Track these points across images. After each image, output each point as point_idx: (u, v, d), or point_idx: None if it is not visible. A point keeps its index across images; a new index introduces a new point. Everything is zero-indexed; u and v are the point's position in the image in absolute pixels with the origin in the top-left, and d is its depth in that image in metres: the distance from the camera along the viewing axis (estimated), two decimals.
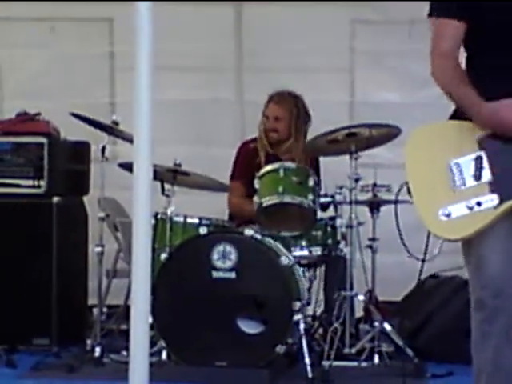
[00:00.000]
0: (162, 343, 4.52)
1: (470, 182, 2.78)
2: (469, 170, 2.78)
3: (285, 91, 5.24)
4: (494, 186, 2.76)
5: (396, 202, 4.89)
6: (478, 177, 2.78)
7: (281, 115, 5.21)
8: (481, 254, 2.79)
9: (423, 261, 4.69)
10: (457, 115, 2.88)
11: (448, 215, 2.76)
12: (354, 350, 4.64)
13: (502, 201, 2.74)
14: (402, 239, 4.61)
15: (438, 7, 2.86)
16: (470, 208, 2.74)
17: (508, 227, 2.79)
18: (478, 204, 2.74)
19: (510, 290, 2.77)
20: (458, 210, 2.76)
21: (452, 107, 2.93)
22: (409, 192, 2.89)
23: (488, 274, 2.78)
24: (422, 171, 2.84)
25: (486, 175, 2.77)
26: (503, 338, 2.79)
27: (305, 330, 4.48)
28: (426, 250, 4.56)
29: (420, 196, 2.82)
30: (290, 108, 5.20)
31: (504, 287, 2.77)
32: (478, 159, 2.79)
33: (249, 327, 4.51)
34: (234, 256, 4.54)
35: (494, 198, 2.74)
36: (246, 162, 5.26)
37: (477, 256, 2.80)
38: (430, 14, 2.89)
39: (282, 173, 4.79)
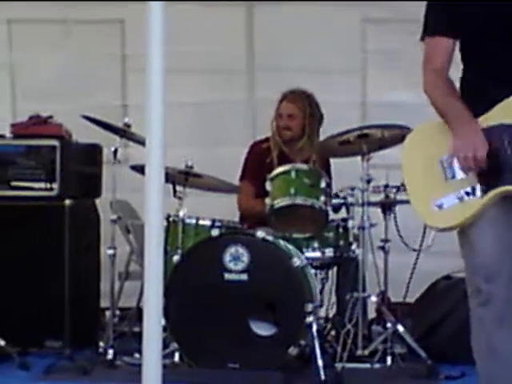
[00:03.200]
0: (174, 345, 4.52)
1: (460, 174, 2.97)
2: (458, 164, 2.97)
3: (298, 90, 5.26)
4: (480, 177, 2.94)
5: (407, 202, 4.88)
6: (466, 169, 2.97)
7: (294, 113, 5.23)
8: (473, 241, 2.94)
9: (419, 251, 4.80)
10: None
11: (440, 206, 2.96)
12: (366, 352, 4.62)
13: (487, 190, 2.92)
14: (400, 236, 4.68)
15: (428, 28, 3.12)
16: (460, 198, 2.94)
17: (498, 214, 2.94)
18: (467, 194, 2.94)
19: (502, 274, 2.92)
20: (449, 201, 2.96)
21: None
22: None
23: (480, 260, 2.93)
24: (416, 169, 3.04)
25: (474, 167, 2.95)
26: (496, 322, 2.94)
27: (317, 331, 4.47)
28: (422, 241, 4.61)
29: (415, 192, 3.04)
30: (304, 106, 5.22)
31: (496, 272, 2.92)
32: None
33: (261, 329, 4.50)
34: (246, 258, 4.54)
35: (481, 188, 2.93)
36: (257, 162, 5.26)
37: (469, 242, 2.95)
38: (422, 37, 3.15)
39: (293, 174, 4.79)
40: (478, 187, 2.95)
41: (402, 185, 3.13)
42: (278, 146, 5.26)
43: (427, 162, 3.01)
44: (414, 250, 4.80)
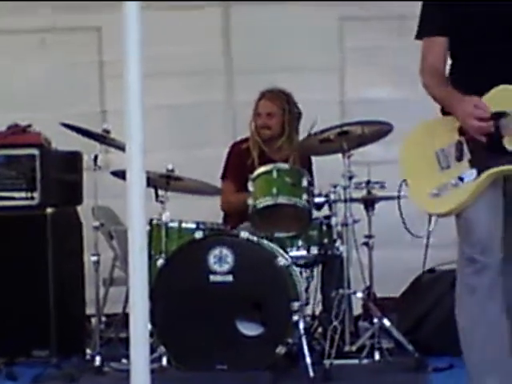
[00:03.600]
0: (161, 349, 4.51)
1: (454, 163, 3.23)
2: (452, 153, 3.24)
3: (276, 88, 5.27)
4: (472, 162, 3.19)
5: (389, 198, 4.91)
6: (459, 157, 3.23)
7: (273, 111, 5.24)
8: (469, 217, 3.20)
9: (428, 237, 4.85)
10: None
11: (437, 194, 3.23)
12: (354, 348, 4.64)
13: (479, 172, 3.17)
14: (405, 227, 4.68)
15: (424, 28, 3.36)
16: (455, 185, 3.20)
17: (492, 192, 3.19)
18: (461, 179, 3.20)
19: (496, 247, 3.18)
20: (445, 188, 3.22)
21: None
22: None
23: (476, 235, 3.18)
24: (414, 164, 3.32)
25: (466, 155, 3.21)
26: (487, 292, 3.19)
27: (304, 329, 4.48)
28: (429, 233, 4.70)
29: (413, 185, 3.32)
30: (282, 104, 5.24)
31: (490, 245, 3.17)
32: (459, 143, 3.24)
33: (248, 329, 4.51)
34: (230, 259, 4.54)
35: (473, 172, 3.18)
36: (237, 162, 5.26)
37: (465, 219, 3.21)
38: (418, 36, 3.37)
39: (275, 174, 4.79)
40: (472, 171, 3.18)
41: (404, 180, 3.44)
42: (257, 145, 5.27)
43: (424, 157, 3.27)
44: (418, 237, 4.82)
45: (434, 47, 3.33)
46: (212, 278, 4.54)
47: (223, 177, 5.33)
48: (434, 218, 4.57)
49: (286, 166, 4.92)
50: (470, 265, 3.21)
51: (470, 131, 3.19)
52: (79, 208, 5.41)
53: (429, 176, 3.25)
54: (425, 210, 3.34)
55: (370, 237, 4.94)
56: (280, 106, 5.24)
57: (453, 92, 3.25)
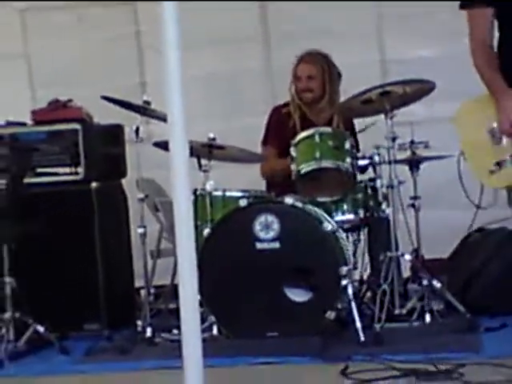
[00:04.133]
0: (212, 318, 4.53)
1: (506, 140, 3.53)
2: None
3: (314, 51, 5.23)
4: None
5: (434, 158, 4.85)
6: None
7: (313, 74, 5.20)
8: None
9: (478, 207, 4.80)
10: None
11: (495, 170, 3.55)
12: (404, 311, 4.61)
13: None
14: (464, 189, 4.66)
15: (466, 0, 3.50)
16: (510, 161, 3.54)
17: None
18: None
19: None
20: (503, 163, 3.54)
21: None
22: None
23: None
24: (469, 137, 3.64)
25: None
26: None
27: (353, 294, 4.46)
28: (480, 199, 4.64)
29: (472, 158, 3.67)
30: (322, 66, 5.20)
31: None
32: None
33: (297, 296, 4.50)
34: (276, 226, 4.52)
35: None
36: (278, 126, 5.23)
37: None
38: (462, 7, 3.52)
39: (317, 138, 4.76)
40: None
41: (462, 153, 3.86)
42: (299, 109, 5.23)
43: (478, 130, 3.56)
44: (478, 207, 4.76)
45: (480, 19, 3.45)
46: (258, 245, 4.53)
47: (264, 142, 5.30)
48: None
49: (328, 129, 4.88)
50: None
51: (501, 129, 3.46)
52: (123, 181, 5.43)
53: (485, 150, 3.54)
54: (485, 184, 3.71)
55: (415, 198, 4.88)
56: (319, 68, 5.20)
57: (499, 81, 3.47)
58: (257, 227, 4.54)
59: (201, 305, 4.38)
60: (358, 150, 4.90)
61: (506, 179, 3.53)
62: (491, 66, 3.51)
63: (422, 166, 4.91)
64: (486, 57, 3.52)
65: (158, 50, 2.39)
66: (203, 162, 4.76)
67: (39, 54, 6.19)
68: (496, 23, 3.58)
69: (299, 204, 4.60)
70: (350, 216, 4.84)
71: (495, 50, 3.66)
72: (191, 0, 5.19)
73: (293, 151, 4.76)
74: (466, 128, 3.64)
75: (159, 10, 2.37)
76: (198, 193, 4.78)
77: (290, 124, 5.19)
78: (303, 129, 4.94)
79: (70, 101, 5.24)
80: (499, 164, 3.53)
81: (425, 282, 4.63)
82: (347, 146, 4.74)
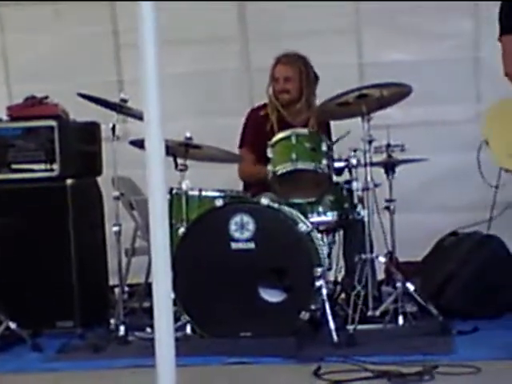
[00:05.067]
0: (185, 317, 4.52)
1: None
2: None
3: (291, 52, 5.24)
4: None
5: (409, 161, 4.87)
6: None
7: (290, 75, 5.21)
8: None
9: (496, 187, 4.88)
10: None
11: None
12: (377, 313, 4.62)
13: None
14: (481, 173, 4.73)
15: (502, 27, 3.81)
16: None
17: None
18: None
19: None
20: None
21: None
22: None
23: None
24: (498, 129, 4.20)
25: None
26: None
27: (327, 295, 4.47)
28: (499, 179, 4.74)
29: (495, 145, 4.25)
30: (299, 67, 5.21)
31: None
32: None
33: (271, 296, 4.51)
34: (251, 226, 4.53)
35: None
36: (255, 128, 5.23)
37: None
38: (500, 35, 3.92)
39: (294, 139, 4.77)
40: None
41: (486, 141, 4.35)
42: (275, 110, 5.23)
43: (505, 126, 4.13)
44: (496, 187, 4.83)
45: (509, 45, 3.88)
46: (233, 245, 4.53)
47: (241, 145, 5.30)
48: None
49: (304, 131, 4.89)
50: None
51: None
52: (99, 179, 5.41)
53: (508, 140, 4.07)
54: (503, 167, 4.20)
55: (391, 201, 4.91)
56: (297, 70, 5.21)
57: None
58: (232, 227, 4.54)
59: (174, 304, 4.38)
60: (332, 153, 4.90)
61: None
62: None
63: (397, 169, 4.94)
64: None
65: (136, 47, 2.39)
66: (179, 161, 4.76)
67: (15, 48, 6.15)
68: None
69: (275, 205, 4.61)
70: (326, 217, 4.86)
71: None
72: (170, 0, 5.17)
73: (269, 152, 4.77)
74: (493, 121, 4.18)
75: (137, 8, 2.38)
76: (173, 192, 4.77)
77: (266, 126, 5.19)
78: (280, 130, 4.94)
79: (46, 97, 5.21)
80: None
81: (398, 285, 4.65)
82: (324, 147, 4.76)
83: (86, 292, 5.09)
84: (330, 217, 4.86)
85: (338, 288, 4.98)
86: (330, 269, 4.83)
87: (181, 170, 4.75)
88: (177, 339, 2.38)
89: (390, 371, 3.82)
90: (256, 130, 5.22)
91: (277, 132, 4.95)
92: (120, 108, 4.81)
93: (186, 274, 4.50)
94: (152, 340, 2.42)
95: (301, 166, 4.72)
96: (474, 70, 5.59)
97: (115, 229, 4.80)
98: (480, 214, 5.06)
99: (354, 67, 5.92)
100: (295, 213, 4.69)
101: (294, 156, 4.72)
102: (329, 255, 4.84)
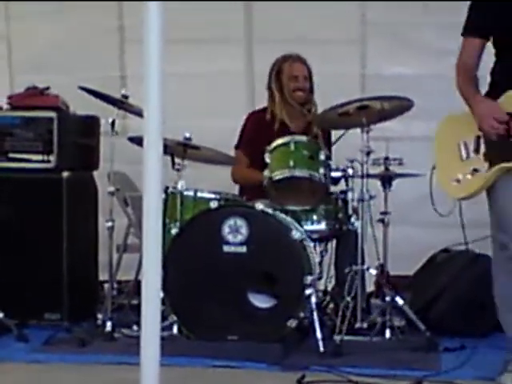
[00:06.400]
0: (173, 317, 4.52)
1: (472, 154, 3.77)
2: (472, 146, 3.78)
3: (296, 53, 5.24)
4: (486, 156, 3.73)
5: (406, 175, 4.87)
6: (477, 150, 3.76)
7: (307, 74, 5.23)
8: (501, 205, 3.69)
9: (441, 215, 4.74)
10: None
11: (458, 180, 3.77)
12: (365, 325, 4.62)
13: (491, 166, 3.70)
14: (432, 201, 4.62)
15: (464, 28, 3.76)
16: (472, 174, 3.74)
17: None
18: (475, 170, 3.73)
19: None
20: (464, 176, 3.76)
21: None
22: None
23: (507, 222, 3.66)
24: (442, 152, 3.86)
25: (482, 149, 3.75)
26: None
27: (316, 304, 4.46)
28: (461, 211, 4.70)
29: (440, 171, 3.89)
30: (309, 69, 5.23)
31: None
32: (478, 138, 3.76)
33: (260, 301, 4.50)
34: (244, 230, 4.52)
35: (485, 165, 3.72)
36: (254, 132, 5.22)
37: (498, 207, 3.71)
38: (462, 35, 3.79)
39: (292, 146, 4.77)
40: (485, 164, 3.71)
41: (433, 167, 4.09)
42: (286, 109, 5.17)
43: (450, 147, 3.79)
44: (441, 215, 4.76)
45: (468, 47, 3.73)
46: (226, 248, 4.53)
47: (237, 146, 5.29)
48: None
49: (303, 138, 4.89)
50: (503, 250, 3.72)
51: (484, 131, 3.66)
52: (95, 173, 5.41)
53: (452, 164, 3.77)
54: (448, 194, 3.85)
55: (385, 213, 4.90)
56: (309, 71, 5.23)
57: (475, 93, 3.72)
58: (225, 230, 4.53)
59: (163, 303, 4.37)
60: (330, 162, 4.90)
61: (464, 190, 3.75)
62: (470, 83, 3.77)
63: (394, 183, 4.93)
64: (466, 76, 3.77)
65: (140, 44, 2.39)
66: (177, 160, 4.75)
67: (20, 38, 6.15)
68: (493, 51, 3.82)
69: (269, 210, 4.61)
70: (319, 226, 4.86)
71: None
72: (178, 0, 5.17)
73: (267, 157, 4.77)
74: (440, 142, 3.88)
75: (144, 8, 2.38)
76: (169, 191, 4.77)
77: (265, 131, 5.17)
78: (279, 135, 4.92)
79: (47, 88, 5.21)
80: (462, 175, 3.76)
81: (388, 298, 4.65)
82: (322, 156, 4.76)
83: (76, 286, 5.08)
84: (324, 226, 4.86)
85: (328, 297, 4.98)
86: (320, 278, 4.83)
87: (177, 170, 4.74)
88: (163, 338, 2.38)
89: None
90: (254, 133, 5.21)
91: (276, 137, 4.94)
92: (121, 104, 4.81)
93: (177, 274, 4.49)
94: (138, 338, 2.42)
95: (298, 173, 4.71)
96: None
97: (108, 224, 4.80)
98: (472, 233, 5.06)
99: (356, 78, 5.93)
100: (289, 220, 4.68)
101: (291, 163, 4.71)
102: (320, 264, 4.84)
